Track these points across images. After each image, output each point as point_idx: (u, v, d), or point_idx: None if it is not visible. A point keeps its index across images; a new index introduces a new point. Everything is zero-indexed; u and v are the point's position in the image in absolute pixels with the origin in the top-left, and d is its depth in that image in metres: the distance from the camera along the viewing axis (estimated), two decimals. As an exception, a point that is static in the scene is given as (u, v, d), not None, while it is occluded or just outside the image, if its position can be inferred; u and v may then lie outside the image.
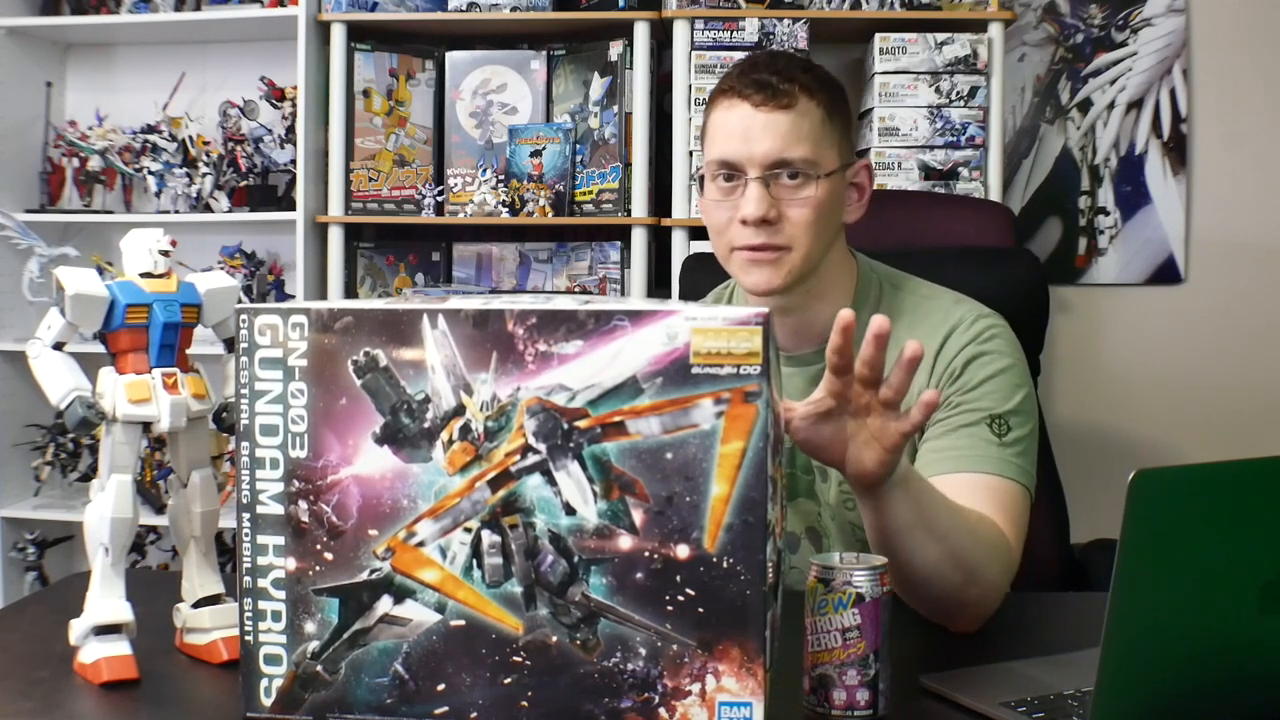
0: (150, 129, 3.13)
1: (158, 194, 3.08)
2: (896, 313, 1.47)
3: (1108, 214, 3.04)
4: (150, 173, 3.08)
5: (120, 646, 1.12)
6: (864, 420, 1.13)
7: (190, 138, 3.10)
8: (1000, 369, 1.41)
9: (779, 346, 1.47)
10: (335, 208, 2.94)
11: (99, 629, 1.12)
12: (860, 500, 1.20)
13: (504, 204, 2.87)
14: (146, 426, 1.14)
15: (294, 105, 2.99)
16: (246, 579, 1.01)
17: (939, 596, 1.24)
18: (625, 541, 0.96)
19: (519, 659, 0.97)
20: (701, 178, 1.47)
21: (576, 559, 0.96)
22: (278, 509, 1.00)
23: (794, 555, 1.50)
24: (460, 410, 0.97)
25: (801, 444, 1.18)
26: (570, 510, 0.96)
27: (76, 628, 1.13)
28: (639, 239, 2.86)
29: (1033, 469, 1.39)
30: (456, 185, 2.95)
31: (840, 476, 1.46)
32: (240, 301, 1.30)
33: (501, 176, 2.92)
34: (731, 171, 1.41)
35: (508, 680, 0.98)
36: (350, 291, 2.99)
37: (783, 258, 1.41)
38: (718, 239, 1.45)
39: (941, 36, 2.72)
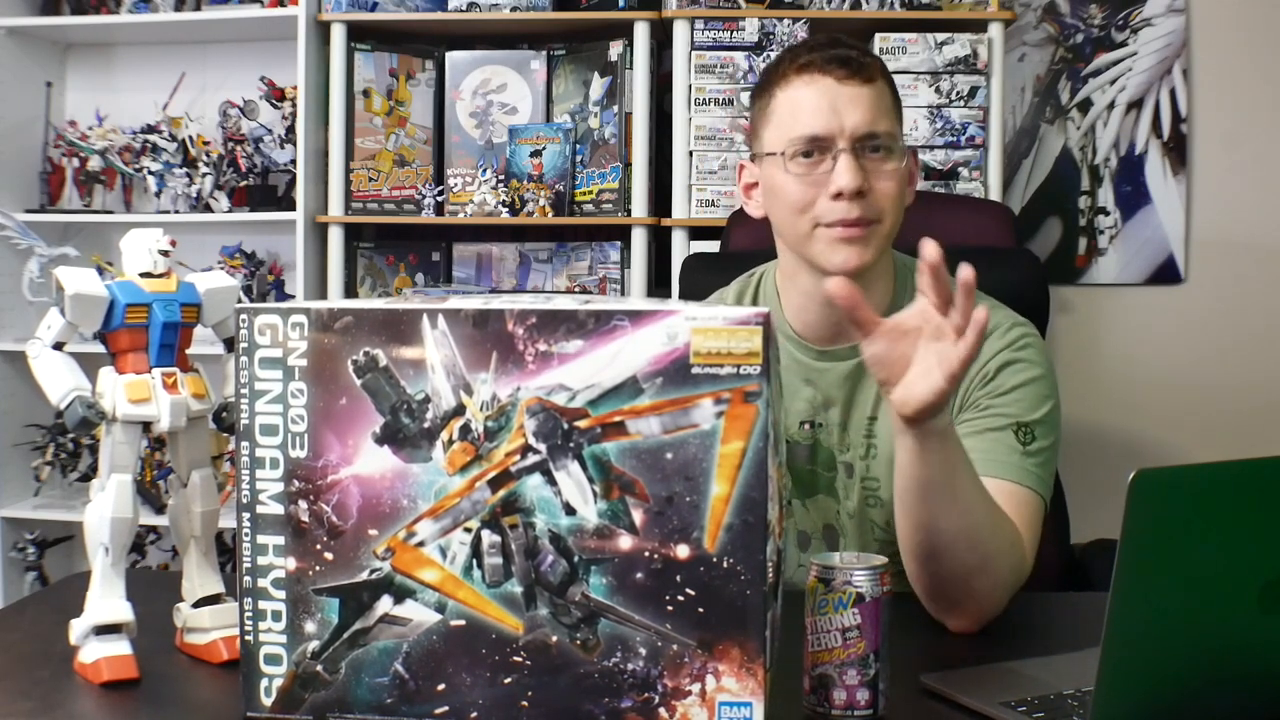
0: (150, 129, 3.13)
1: (158, 194, 3.08)
2: None
3: (1108, 214, 3.04)
4: (150, 173, 3.08)
5: (120, 646, 1.12)
6: (931, 346, 1.13)
7: (190, 138, 3.10)
8: (1031, 378, 1.41)
9: (816, 342, 1.48)
10: (335, 208, 2.94)
11: (99, 629, 1.12)
12: (902, 441, 1.19)
13: (504, 204, 2.87)
14: (146, 426, 1.14)
15: (294, 105, 2.99)
16: (246, 579, 1.01)
17: (948, 576, 1.24)
18: (625, 541, 0.96)
19: (519, 659, 0.97)
20: (741, 167, 1.47)
21: (576, 559, 0.96)
22: (278, 509, 1.00)
23: (804, 553, 1.50)
24: (460, 410, 0.97)
25: (873, 356, 1.16)
26: (570, 510, 0.96)
27: (76, 628, 1.13)
28: (639, 239, 2.86)
29: (1051, 481, 1.39)
30: (456, 185, 2.95)
31: (864, 472, 1.46)
32: (240, 301, 1.30)
33: (501, 176, 2.92)
34: (815, 146, 1.39)
35: (508, 680, 0.98)
36: (350, 291, 2.99)
37: (872, 232, 1.40)
38: (796, 219, 1.41)
39: (941, 36, 2.72)
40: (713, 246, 2.42)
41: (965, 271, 1.10)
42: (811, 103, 1.39)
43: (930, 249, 1.10)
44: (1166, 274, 3.03)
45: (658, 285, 2.92)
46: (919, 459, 1.19)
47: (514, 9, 2.88)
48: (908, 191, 1.46)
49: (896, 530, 1.26)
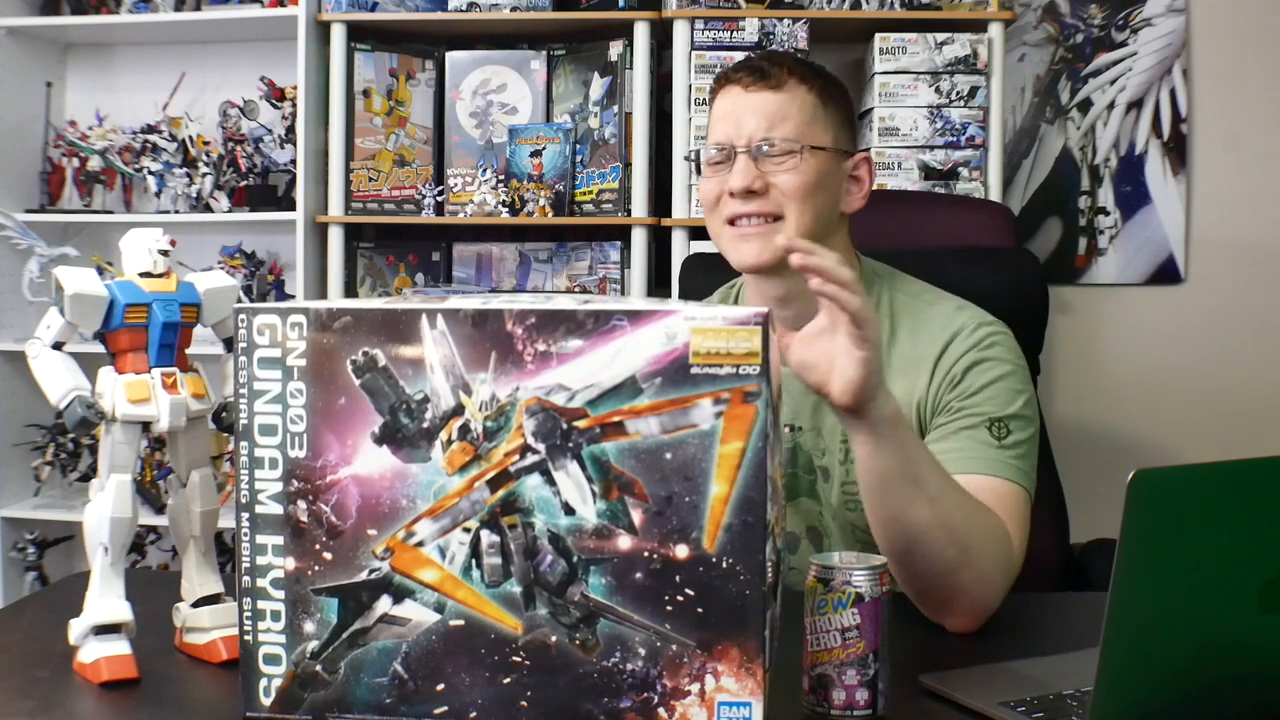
0: (150, 129, 3.13)
1: (158, 194, 3.08)
2: (899, 317, 1.47)
3: (1108, 214, 3.04)
4: (150, 173, 3.08)
5: (120, 646, 1.12)
6: (840, 334, 1.16)
7: (190, 138, 3.10)
8: (1000, 375, 1.41)
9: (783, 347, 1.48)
10: (335, 208, 2.94)
11: (99, 629, 1.12)
12: (855, 440, 1.22)
13: (504, 204, 2.87)
14: (146, 426, 1.14)
15: (294, 105, 2.99)
16: (246, 579, 1.01)
17: (929, 571, 1.24)
18: (624, 541, 0.96)
19: (518, 659, 0.97)
20: (699, 166, 1.51)
21: (576, 559, 0.96)
22: (277, 509, 1.00)
23: (793, 555, 1.50)
24: (459, 410, 0.97)
25: (797, 365, 1.21)
26: (569, 510, 0.96)
27: (76, 627, 1.13)
28: (639, 239, 2.86)
29: (1033, 473, 1.39)
30: (456, 185, 2.94)
31: (844, 477, 1.46)
32: (240, 301, 1.30)
33: (501, 176, 2.92)
34: (722, 150, 1.46)
35: (507, 680, 0.98)
36: (350, 291, 2.99)
37: (773, 229, 1.43)
38: (711, 218, 1.49)
39: (941, 36, 2.71)
40: (712, 247, 2.41)
41: (794, 258, 1.14)
42: (720, 112, 1.48)
43: (794, 257, 1.14)
44: (1166, 274, 3.03)
45: (658, 285, 2.92)
46: (874, 451, 1.20)
47: (514, 9, 2.88)
48: (853, 194, 1.49)
49: (871, 529, 1.27)
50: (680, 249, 2.76)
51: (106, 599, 1.12)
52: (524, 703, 0.97)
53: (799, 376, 1.22)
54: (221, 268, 3.03)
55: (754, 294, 1.54)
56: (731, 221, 1.46)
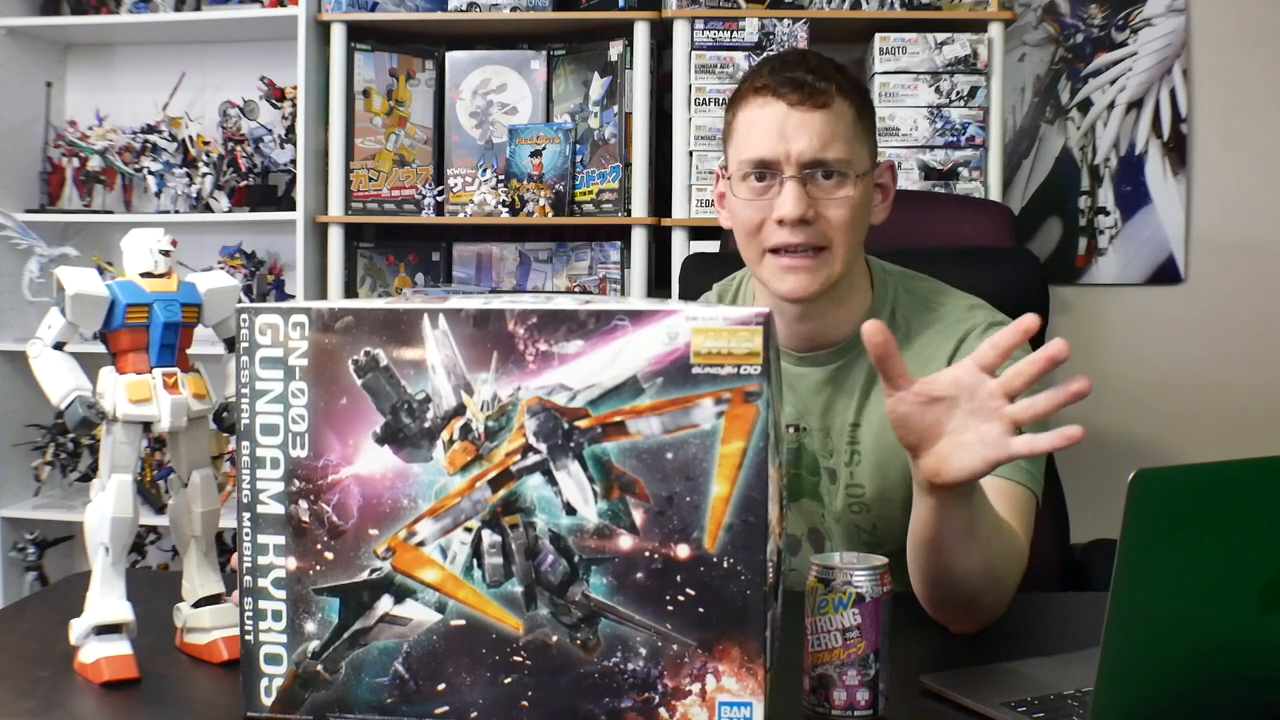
0: (150, 129, 3.13)
1: (158, 194, 3.08)
2: (911, 317, 1.46)
3: (1108, 214, 3.04)
4: (150, 173, 3.08)
5: (120, 646, 1.12)
6: (978, 424, 1.08)
7: (190, 138, 3.10)
8: None
9: (792, 349, 1.48)
10: (335, 208, 2.94)
11: (99, 629, 1.12)
12: (922, 499, 1.16)
13: (504, 204, 2.87)
14: (147, 426, 1.14)
15: (294, 105, 2.99)
16: (247, 578, 1.01)
17: (959, 599, 1.23)
18: (625, 541, 0.96)
19: (519, 659, 0.97)
20: (718, 177, 1.45)
21: (577, 559, 0.96)
22: (278, 508, 1.00)
23: (794, 557, 1.50)
24: (461, 410, 0.97)
25: (898, 418, 1.11)
26: (571, 510, 0.96)
27: (77, 627, 1.13)
28: (639, 239, 2.86)
29: (1042, 476, 1.39)
30: (456, 185, 2.95)
31: (849, 479, 1.46)
32: (240, 301, 1.30)
33: (501, 176, 2.92)
34: (765, 171, 1.38)
35: (508, 680, 0.98)
36: (350, 291, 2.99)
37: (821, 262, 1.38)
38: (748, 241, 1.42)
39: (941, 36, 2.72)
40: (713, 246, 2.42)
41: (1057, 347, 1.04)
42: (762, 127, 1.38)
43: (1029, 320, 1.06)
44: (1166, 274, 3.03)
45: (658, 285, 2.92)
46: (940, 516, 1.15)
47: (514, 9, 2.88)
48: (878, 207, 1.45)
49: (909, 564, 1.24)
50: (680, 249, 2.76)
51: (107, 599, 1.12)
52: (525, 703, 0.97)
53: (891, 422, 1.12)
54: (221, 268, 3.03)
55: (766, 301, 1.48)
56: (774, 250, 1.39)
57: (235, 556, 1.03)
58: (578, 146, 2.94)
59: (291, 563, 1.00)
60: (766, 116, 1.38)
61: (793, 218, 1.36)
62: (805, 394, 1.47)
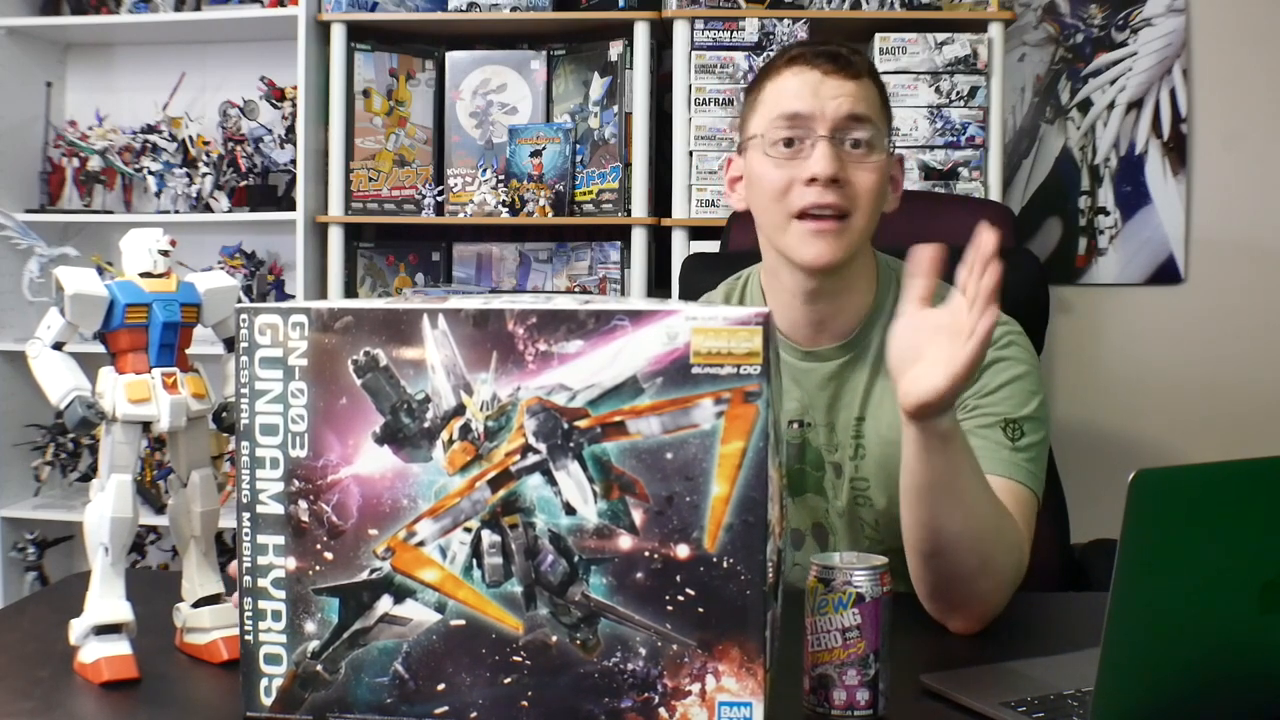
0: (150, 129, 3.13)
1: (158, 194, 3.08)
2: None
3: (1108, 214, 3.04)
4: (150, 173, 3.08)
5: (120, 646, 1.12)
6: (942, 343, 1.13)
7: (190, 138, 3.10)
8: (1016, 375, 1.40)
9: (799, 342, 1.48)
10: (335, 208, 2.94)
11: (99, 629, 1.12)
12: (906, 434, 1.19)
13: (504, 204, 2.87)
14: (146, 426, 1.14)
15: (294, 105, 2.99)
16: (246, 578, 1.01)
17: (951, 576, 1.24)
18: (625, 541, 0.96)
19: (519, 659, 0.97)
20: (730, 161, 1.47)
21: (576, 559, 0.96)
22: (278, 508, 1.00)
23: (798, 552, 1.50)
24: (460, 410, 0.97)
25: (895, 336, 1.18)
26: (570, 510, 0.96)
27: (76, 627, 1.13)
28: (639, 239, 2.86)
29: (1043, 476, 1.39)
30: (456, 185, 2.95)
31: (854, 473, 1.46)
32: (240, 301, 1.30)
33: (501, 176, 2.92)
34: (794, 132, 1.39)
35: (508, 680, 0.98)
36: (350, 291, 2.99)
37: (844, 228, 1.39)
38: (773, 206, 1.41)
39: (941, 36, 2.72)
40: (713, 246, 2.42)
41: (987, 241, 1.10)
42: (795, 88, 1.40)
43: (987, 240, 1.11)
44: (1166, 274, 3.03)
45: (658, 285, 2.92)
46: (921, 458, 1.19)
47: (514, 9, 2.88)
48: (890, 195, 1.46)
49: (902, 523, 1.26)
50: (680, 249, 2.76)
51: (107, 599, 1.12)
52: (525, 703, 0.97)
53: (888, 342, 1.19)
54: (221, 268, 3.03)
55: (778, 287, 1.48)
56: (801, 215, 1.39)
57: (234, 564, 1.03)
58: (578, 146, 2.94)
59: (291, 563, 1.00)
60: (800, 81, 1.40)
61: (826, 174, 1.36)
62: (811, 388, 1.47)
